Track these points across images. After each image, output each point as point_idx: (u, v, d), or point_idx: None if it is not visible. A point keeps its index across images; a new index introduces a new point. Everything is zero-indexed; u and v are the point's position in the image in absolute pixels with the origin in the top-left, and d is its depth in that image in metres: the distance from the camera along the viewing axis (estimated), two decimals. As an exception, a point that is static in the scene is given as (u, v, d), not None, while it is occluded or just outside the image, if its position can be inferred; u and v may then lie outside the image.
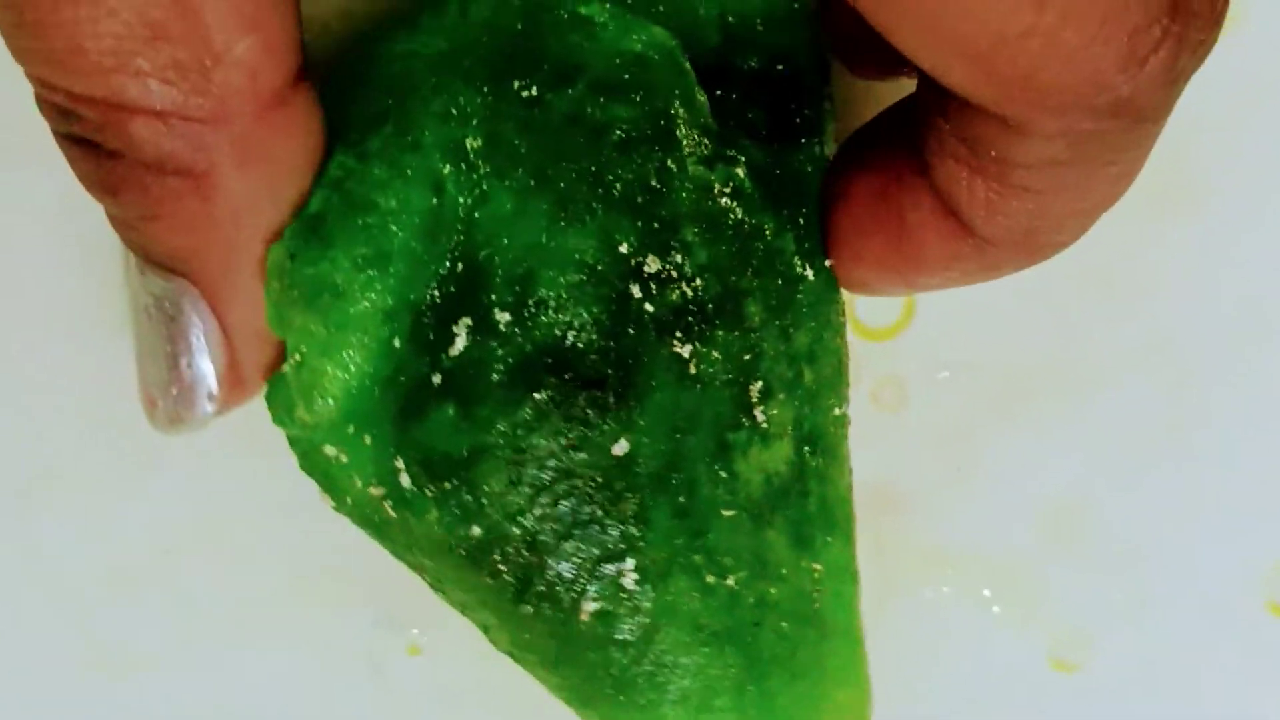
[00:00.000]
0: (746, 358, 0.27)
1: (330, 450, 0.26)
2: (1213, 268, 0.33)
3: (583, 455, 0.26)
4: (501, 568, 0.26)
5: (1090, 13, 0.20)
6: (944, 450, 0.33)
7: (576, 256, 0.26)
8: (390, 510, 0.26)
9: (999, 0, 0.20)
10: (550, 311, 0.26)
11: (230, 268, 0.25)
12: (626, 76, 0.26)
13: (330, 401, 0.26)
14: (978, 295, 0.33)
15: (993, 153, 0.23)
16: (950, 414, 0.33)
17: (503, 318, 0.26)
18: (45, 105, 0.23)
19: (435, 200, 0.26)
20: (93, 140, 0.23)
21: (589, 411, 0.26)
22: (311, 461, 0.27)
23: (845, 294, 0.29)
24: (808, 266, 0.28)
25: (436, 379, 0.26)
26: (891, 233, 0.27)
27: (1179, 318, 0.33)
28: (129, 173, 0.23)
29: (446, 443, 0.26)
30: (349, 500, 0.27)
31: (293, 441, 0.27)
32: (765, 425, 0.27)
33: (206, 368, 0.25)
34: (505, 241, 0.26)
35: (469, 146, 0.26)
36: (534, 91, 0.26)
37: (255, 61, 0.22)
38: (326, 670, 0.32)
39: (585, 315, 0.26)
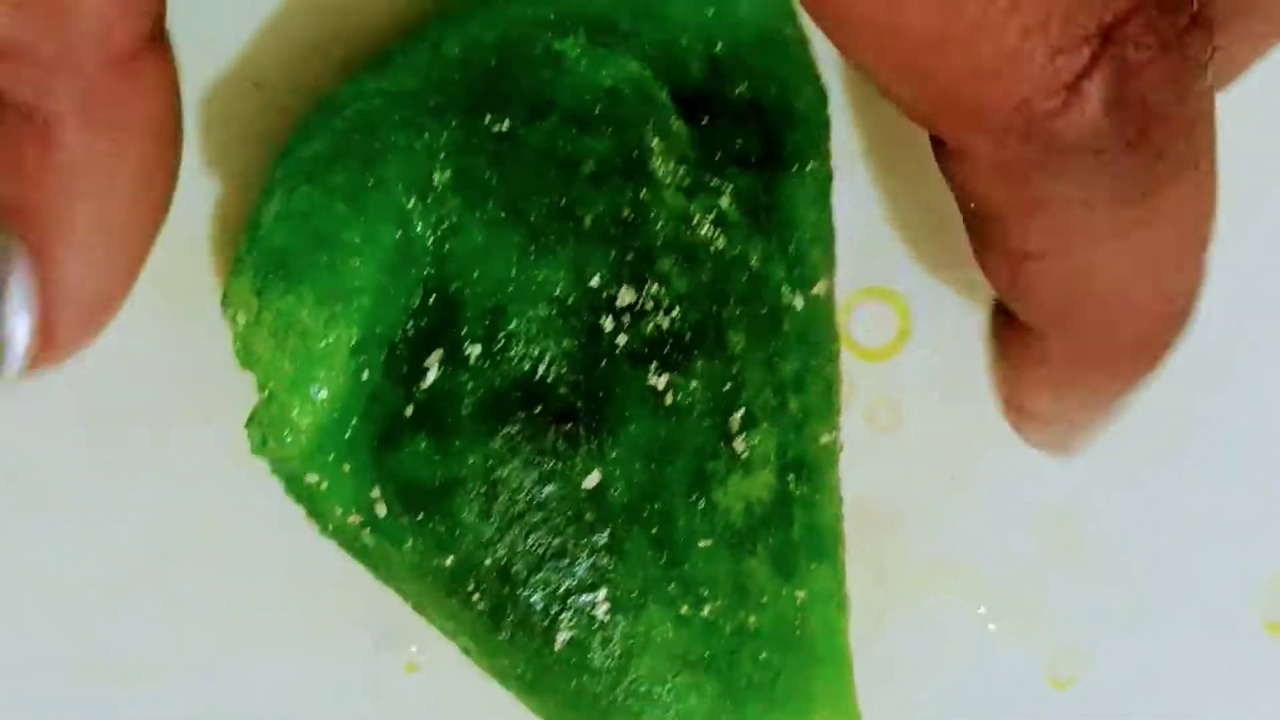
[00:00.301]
0: (727, 387, 0.27)
1: (311, 477, 0.27)
2: (1209, 279, 0.33)
3: (553, 487, 0.26)
4: (475, 596, 0.26)
5: (1007, 24, 0.19)
6: (939, 466, 0.33)
7: (547, 289, 0.26)
8: (369, 537, 0.27)
9: (917, 3, 0.20)
10: (520, 344, 0.26)
11: (61, 224, 0.23)
12: (598, 110, 0.26)
13: (297, 436, 0.26)
14: (971, 316, 0.33)
15: (972, 204, 0.23)
16: (945, 430, 0.33)
17: (473, 350, 0.26)
18: None
19: (400, 234, 0.26)
20: None
21: (559, 444, 0.26)
22: (294, 488, 0.28)
23: (842, 318, 0.29)
24: (797, 294, 0.28)
25: (409, 410, 0.26)
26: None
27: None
28: None
29: (420, 473, 0.26)
30: (330, 526, 0.27)
31: (274, 469, 0.28)
32: (746, 454, 0.27)
33: (17, 325, 0.24)
34: (476, 274, 0.26)
35: (436, 180, 0.26)
36: (505, 126, 0.26)
37: (110, 14, 0.22)
38: (324, 685, 0.32)
39: (555, 348, 0.26)
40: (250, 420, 0.27)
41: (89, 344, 0.25)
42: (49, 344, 0.24)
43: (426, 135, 0.26)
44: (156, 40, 0.23)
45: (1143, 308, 0.23)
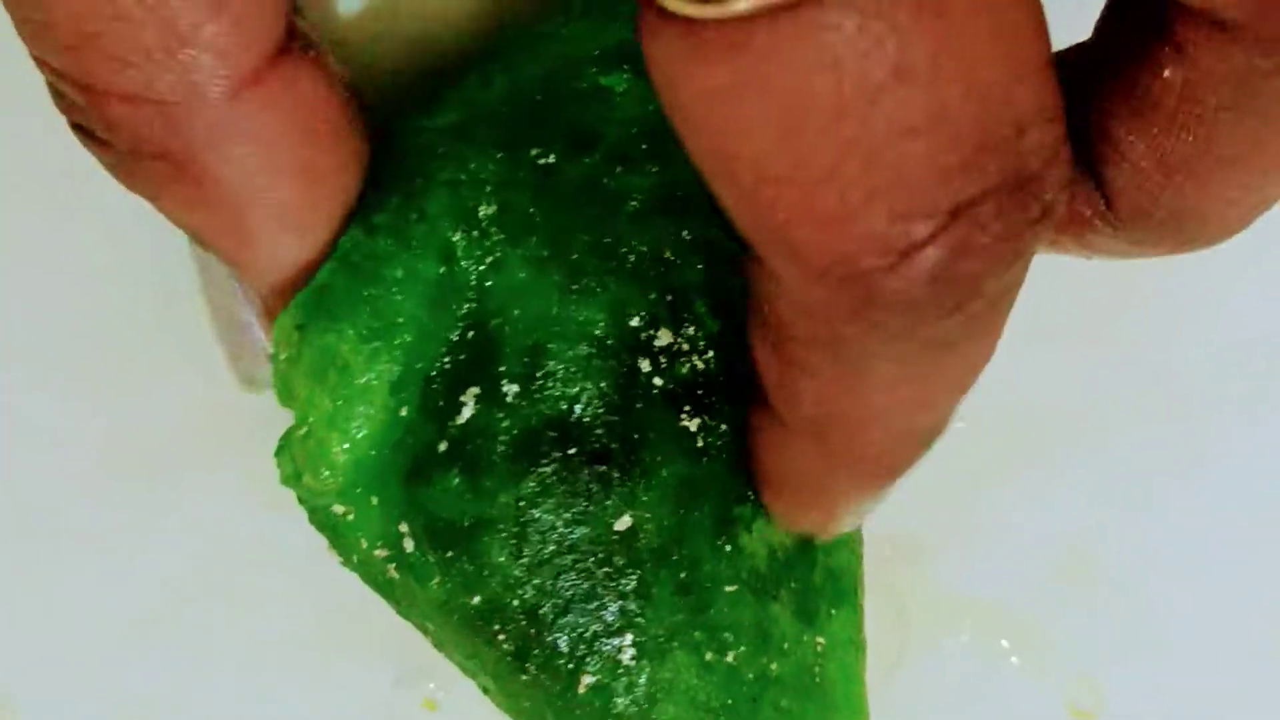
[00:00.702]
0: None
1: (338, 509, 0.26)
2: (1218, 310, 0.33)
3: (585, 530, 0.26)
4: (500, 637, 0.26)
5: (856, 184, 0.18)
6: (958, 499, 0.33)
7: (587, 329, 0.26)
8: (394, 572, 0.27)
9: (767, 138, 0.18)
10: (558, 384, 0.26)
11: (245, 241, 0.24)
12: (644, 146, 0.26)
13: (334, 473, 0.26)
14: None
15: (764, 307, 0.22)
16: (963, 463, 0.33)
17: (510, 389, 0.26)
18: (50, 88, 0.23)
19: (444, 269, 0.26)
20: (85, 126, 0.22)
21: (592, 486, 0.26)
22: (320, 519, 0.27)
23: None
24: None
25: (443, 446, 0.26)
26: None
27: (1186, 361, 0.33)
28: (119, 159, 0.23)
29: (450, 511, 0.26)
30: (355, 559, 0.27)
31: (301, 499, 0.27)
32: None
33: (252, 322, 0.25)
34: (516, 312, 0.26)
35: (481, 214, 0.26)
36: (551, 160, 0.26)
37: (225, 43, 0.22)
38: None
39: (592, 389, 0.26)
40: (280, 450, 0.27)
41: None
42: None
43: (472, 166, 0.26)
44: (289, 46, 0.23)
45: (894, 434, 0.23)
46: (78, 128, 0.23)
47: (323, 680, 0.32)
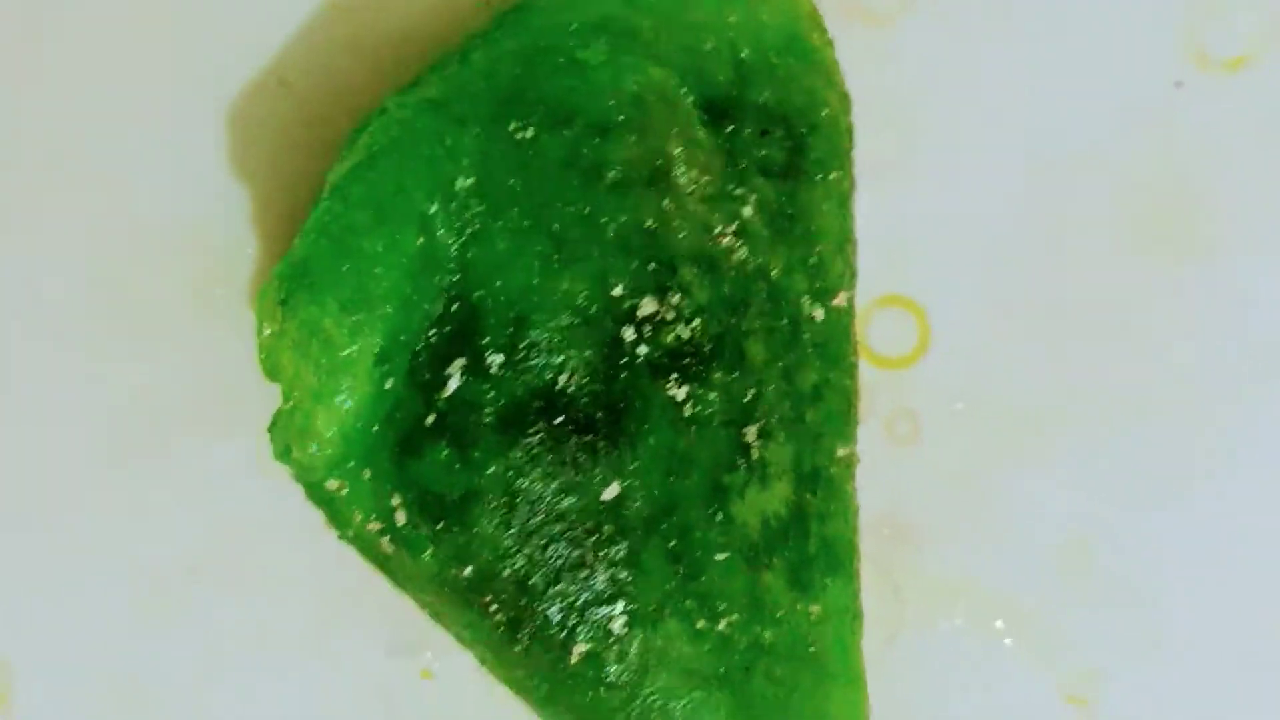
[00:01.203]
0: (745, 399, 0.27)
1: (332, 483, 0.27)
2: (1224, 305, 0.33)
3: (573, 499, 0.26)
4: (493, 607, 0.26)
5: None
6: (957, 483, 0.33)
7: (569, 299, 0.26)
8: (388, 545, 0.27)
9: None
10: (542, 354, 0.26)
11: None
12: (621, 117, 0.26)
13: (322, 446, 0.26)
14: (991, 328, 0.32)
15: None
16: (964, 446, 0.33)
17: (495, 360, 0.26)
18: None
19: (423, 240, 0.26)
20: None
21: (579, 455, 0.26)
22: (315, 494, 0.27)
23: (861, 326, 0.29)
24: (817, 305, 0.28)
25: (431, 419, 0.26)
26: None
27: (1192, 355, 0.33)
28: None
29: (440, 483, 0.26)
30: (351, 533, 0.27)
31: (295, 475, 0.27)
32: (763, 467, 0.27)
33: None
34: (499, 283, 0.26)
35: (458, 186, 0.26)
36: (530, 133, 0.26)
37: None
38: (339, 692, 0.32)
39: (577, 358, 0.26)
40: (273, 426, 0.27)
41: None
42: None
43: (449, 141, 0.26)
44: None
45: None
46: None
47: (319, 653, 0.32)
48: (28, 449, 0.32)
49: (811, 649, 0.27)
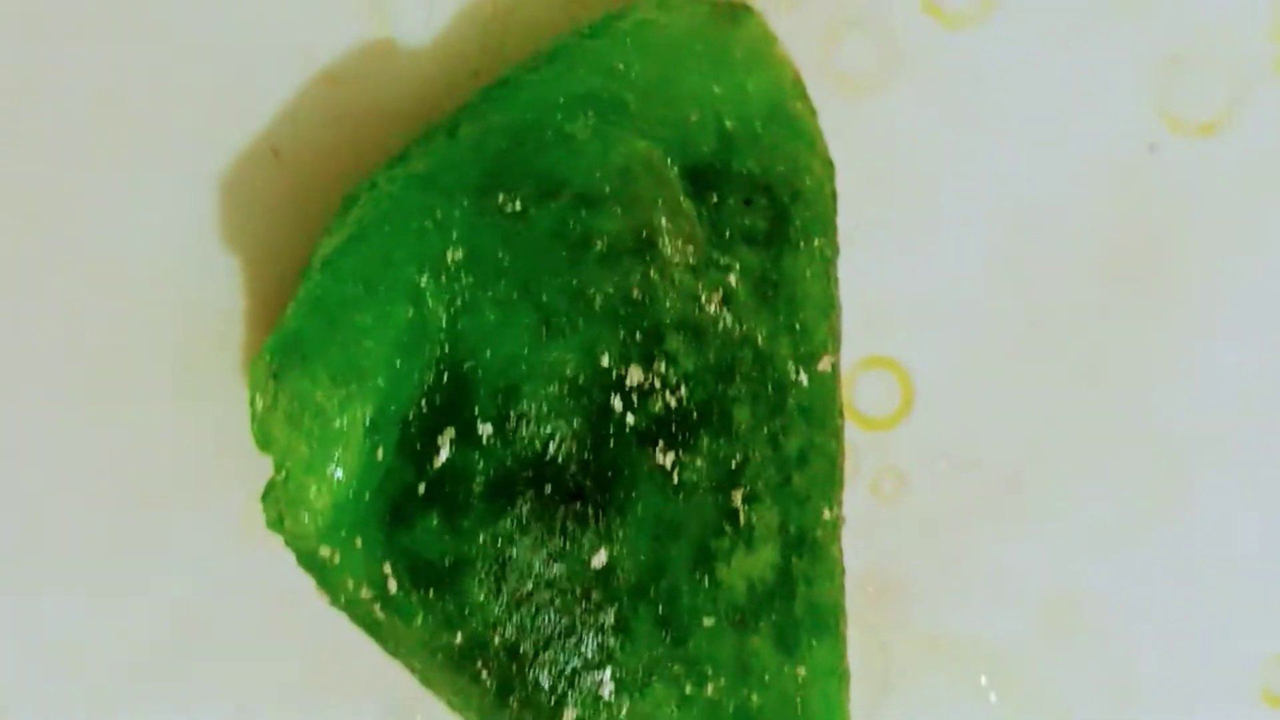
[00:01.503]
0: (732, 464, 0.27)
1: (324, 551, 0.27)
2: (1204, 355, 0.34)
3: (562, 567, 0.26)
4: (483, 674, 0.26)
5: None
6: (942, 539, 0.33)
7: (558, 369, 0.26)
8: (380, 612, 0.27)
9: None
10: (532, 424, 0.26)
11: None
12: (608, 189, 0.27)
13: (315, 516, 0.26)
14: (973, 386, 0.33)
15: None
16: (948, 503, 0.33)
17: (485, 430, 0.26)
18: None
19: (413, 312, 0.26)
20: None
21: (568, 524, 0.26)
22: (307, 561, 0.28)
23: (845, 388, 0.29)
24: (802, 371, 0.28)
25: (422, 488, 0.26)
26: None
27: (1173, 408, 0.34)
28: None
29: (431, 551, 0.26)
30: (343, 599, 0.28)
31: (288, 543, 0.28)
32: (750, 531, 0.27)
33: None
34: (488, 354, 0.26)
35: (449, 259, 0.26)
36: (518, 205, 0.27)
37: None
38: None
39: (566, 428, 0.26)
40: (266, 495, 0.27)
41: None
42: None
43: (439, 214, 0.27)
44: None
45: None
46: None
47: (311, 716, 0.32)
48: (12, 517, 0.32)
49: (798, 711, 0.28)
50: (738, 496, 0.27)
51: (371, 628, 0.28)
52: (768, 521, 0.28)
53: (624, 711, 0.26)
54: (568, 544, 0.26)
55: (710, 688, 0.27)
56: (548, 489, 0.26)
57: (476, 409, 0.26)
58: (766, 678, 0.27)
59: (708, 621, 0.27)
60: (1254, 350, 0.34)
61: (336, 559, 0.27)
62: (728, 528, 0.27)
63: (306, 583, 0.29)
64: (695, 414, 0.27)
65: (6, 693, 0.32)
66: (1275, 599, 0.34)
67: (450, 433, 0.26)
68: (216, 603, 0.32)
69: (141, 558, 0.32)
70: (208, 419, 0.31)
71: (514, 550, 0.26)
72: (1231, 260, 0.33)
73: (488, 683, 0.26)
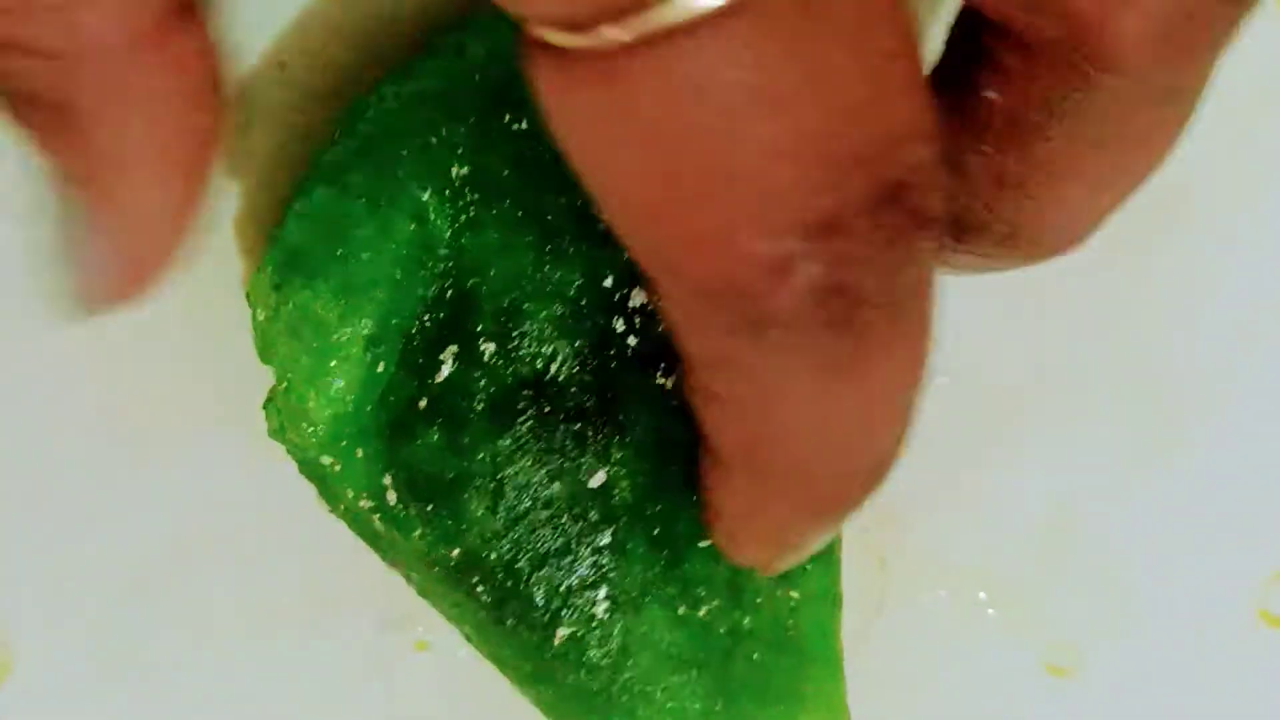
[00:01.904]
0: None
1: (326, 459, 0.27)
2: (1201, 280, 0.34)
3: (560, 485, 0.26)
4: (479, 588, 0.27)
5: (723, 202, 0.18)
6: (941, 461, 0.34)
7: (561, 289, 0.26)
8: (379, 523, 0.27)
9: (637, 164, 0.19)
10: (534, 343, 0.26)
11: (116, 189, 0.24)
12: None
13: (316, 427, 0.27)
14: (973, 309, 0.33)
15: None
16: (947, 425, 0.33)
17: (487, 348, 0.26)
18: None
19: (415, 227, 0.26)
20: None
21: (567, 443, 0.26)
22: (309, 469, 0.28)
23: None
24: None
25: (424, 403, 0.26)
26: None
27: (1171, 330, 0.34)
28: (6, 102, 0.23)
29: (431, 466, 0.26)
30: (342, 508, 0.28)
31: (290, 451, 0.28)
32: None
33: (99, 264, 0.25)
34: (492, 272, 0.26)
35: (454, 174, 0.26)
36: (524, 125, 0.27)
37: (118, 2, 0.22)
38: (333, 666, 0.33)
39: (567, 348, 0.26)
40: (268, 403, 0.27)
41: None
42: (134, 278, 0.25)
43: (444, 131, 0.27)
44: (186, 12, 0.23)
45: (829, 464, 0.23)
46: None
47: (312, 626, 0.32)
48: (21, 434, 0.32)
49: (790, 634, 0.28)
50: None
51: (370, 538, 0.28)
52: None
53: (617, 629, 0.27)
54: (566, 463, 0.26)
55: (703, 609, 0.27)
56: (547, 408, 0.26)
57: (480, 326, 0.26)
58: (759, 600, 0.28)
59: (703, 544, 0.27)
60: (1257, 278, 0.34)
61: (338, 469, 0.27)
62: None
63: (306, 496, 0.29)
64: None
65: (10, 608, 0.32)
66: (1271, 519, 0.34)
67: (453, 349, 0.26)
68: (216, 515, 0.32)
69: (142, 470, 0.32)
70: (209, 330, 0.31)
71: (513, 468, 0.26)
72: (1235, 185, 0.33)
73: (484, 597, 0.27)
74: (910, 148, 0.19)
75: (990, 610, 0.34)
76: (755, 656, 0.28)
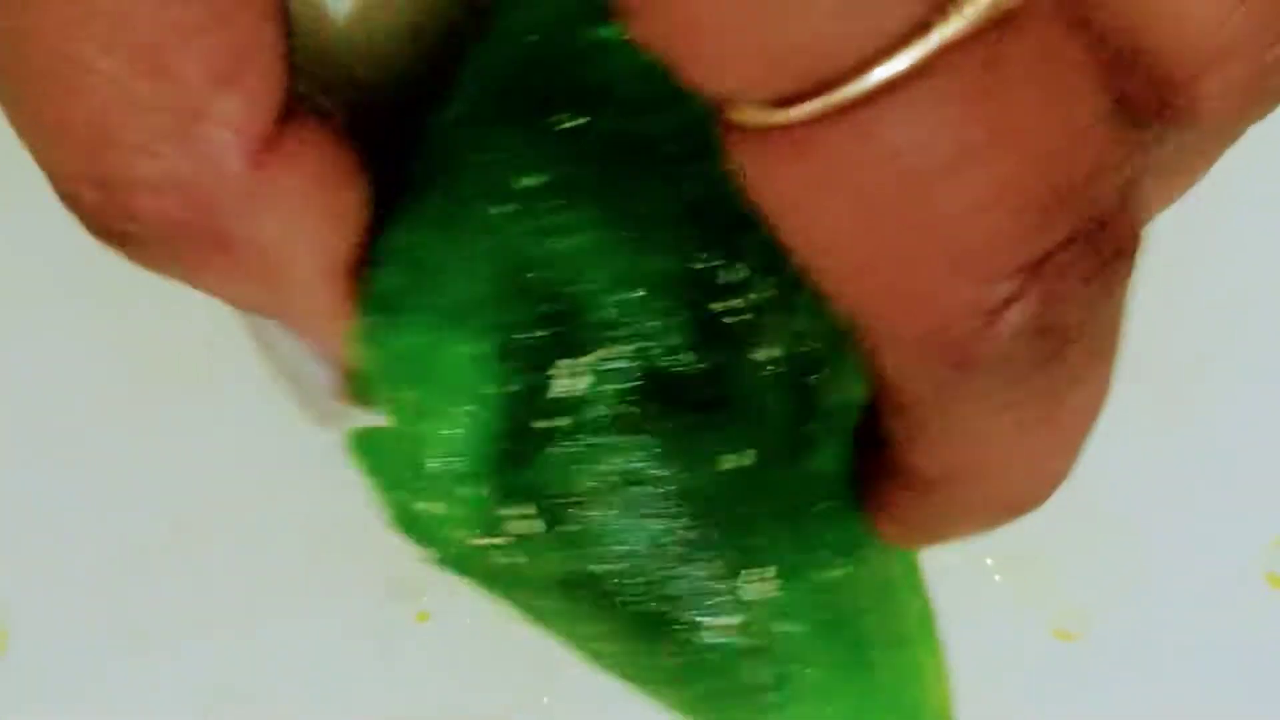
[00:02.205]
0: (804, 349, 0.27)
1: (431, 505, 0.26)
2: (1209, 245, 0.34)
3: (688, 476, 0.26)
4: (619, 599, 0.26)
5: (939, 254, 0.19)
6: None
7: (653, 279, 0.26)
8: (499, 558, 0.26)
9: (847, 216, 0.19)
10: (638, 340, 0.26)
11: (289, 295, 0.24)
12: (656, 89, 0.26)
13: (439, 463, 0.26)
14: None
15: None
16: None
17: (595, 354, 0.25)
18: (64, 197, 0.22)
19: (493, 244, 0.26)
20: (105, 224, 0.22)
21: (693, 435, 0.26)
22: (405, 518, 0.27)
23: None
24: None
25: (539, 423, 0.25)
26: None
27: (1178, 295, 0.34)
28: (145, 248, 0.23)
29: (556, 485, 0.25)
30: (453, 551, 0.27)
31: (387, 498, 0.27)
32: (831, 415, 0.27)
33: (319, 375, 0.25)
34: (585, 275, 0.25)
35: (518, 185, 0.26)
36: (578, 122, 0.26)
37: (240, 113, 0.22)
38: (336, 635, 0.32)
39: (676, 338, 0.26)
40: (366, 445, 0.26)
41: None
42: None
43: (494, 145, 0.26)
44: (292, 104, 0.23)
45: (1022, 487, 0.24)
46: (96, 228, 0.23)
47: (315, 595, 0.32)
48: (19, 406, 0.32)
49: (892, 579, 0.28)
50: (813, 382, 0.27)
51: (484, 576, 0.27)
52: (840, 402, 0.27)
53: (762, 609, 0.26)
54: (693, 455, 0.26)
55: (835, 571, 0.27)
56: (666, 403, 0.26)
57: (583, 333, 0.25)
58: (868, 553, 0.28)
59: (818, 507, 0.27)
60: (1265, 245, 0.34)
61: (443, 511, 0.26)
62: (811, 416, 0.27)
63: (307, 467, 0.28)
64: (782, 305, 0.26)
65: (4, 581, 0.32)
66: (1279, 484, 0.34)
67: (561, 362, 0.25)
68: (216, 487, 0.32)
69: (142, 439, 0.32)
70: (209, 299, 0.31)
71: (642, 469, 0.26)
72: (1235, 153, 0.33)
73: (623, 607, 0.26)
74: (1105, 179, 0.19)
75: (997, 576, 0.34)
76: (870, 605, 0.28)
